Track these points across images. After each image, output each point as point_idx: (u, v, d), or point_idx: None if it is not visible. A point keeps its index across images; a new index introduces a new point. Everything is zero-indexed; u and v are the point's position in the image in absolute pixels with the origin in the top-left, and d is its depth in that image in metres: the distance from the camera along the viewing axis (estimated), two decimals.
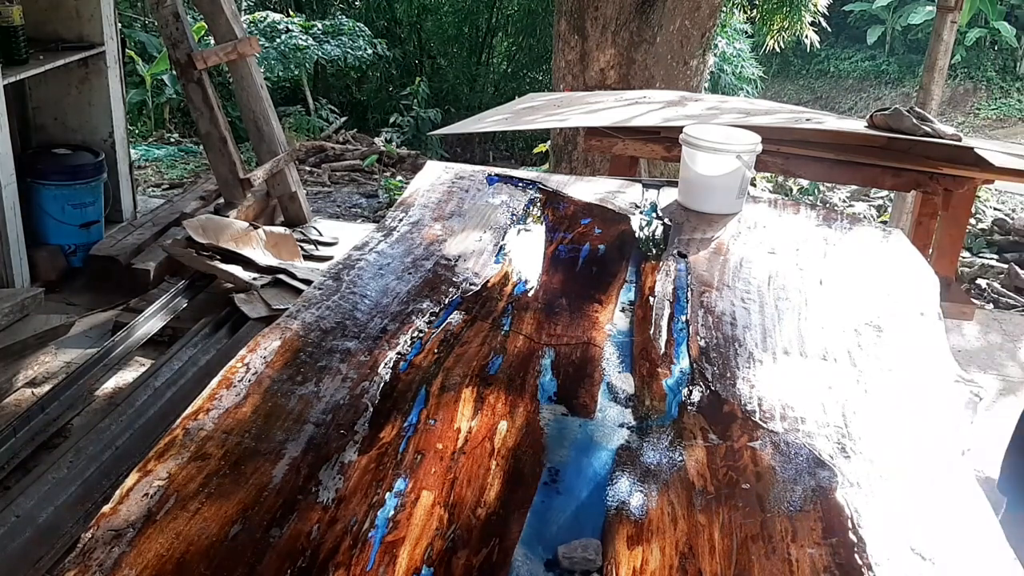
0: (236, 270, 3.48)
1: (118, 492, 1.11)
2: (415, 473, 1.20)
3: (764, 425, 1.36)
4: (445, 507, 1.13)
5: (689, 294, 1.79)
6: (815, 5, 8.11)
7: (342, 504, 1.12)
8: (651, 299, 1.77)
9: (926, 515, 1.18)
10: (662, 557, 1.08)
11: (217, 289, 3.57)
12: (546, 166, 5.41)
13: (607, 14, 4.52)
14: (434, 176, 2.42)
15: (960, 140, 2.94)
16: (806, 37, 8.44)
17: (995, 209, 6.91)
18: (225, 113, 4.22)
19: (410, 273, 1.81)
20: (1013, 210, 7.03)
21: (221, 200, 4.18)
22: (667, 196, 2.36)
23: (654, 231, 2.14)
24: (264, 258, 3.65)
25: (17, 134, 3.65)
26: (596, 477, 1.22)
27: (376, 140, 7.21)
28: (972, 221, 6.18)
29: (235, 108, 5.62)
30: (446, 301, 1.70)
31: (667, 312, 1.72)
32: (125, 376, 2.99)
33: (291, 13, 9.09)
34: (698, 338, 1.62)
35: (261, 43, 5.95)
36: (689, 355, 1.56)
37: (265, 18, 8.16)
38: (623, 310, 1.73)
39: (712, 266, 1.93)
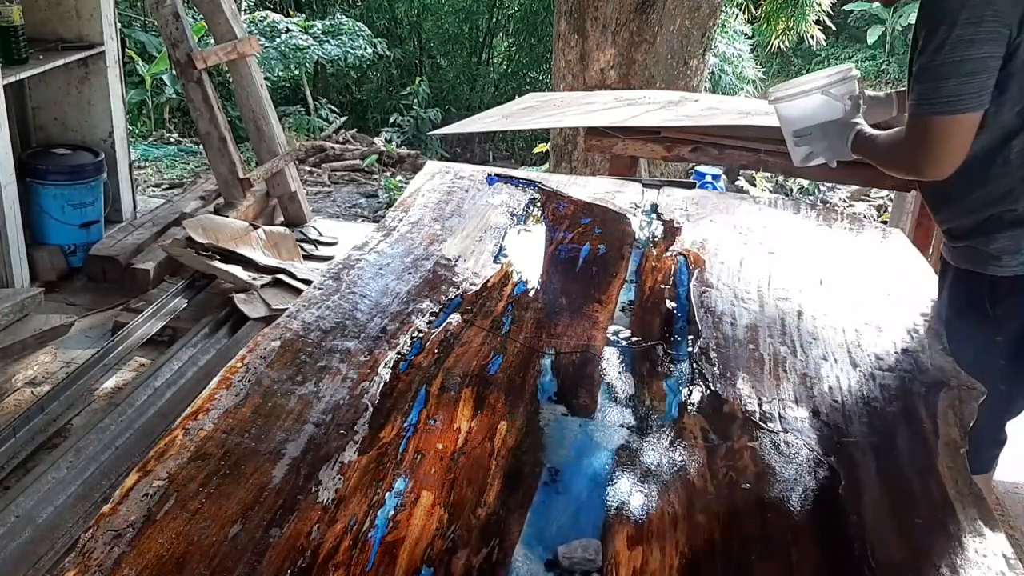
0: (236, 270, 3.47)
1: (118, 492, 1.11)
2: (415, 473, 1.19)
3: (764, 425, 1.36)
4: (445, 507, 1.13)
5: (689, 294, 1.79)
6: (820, 5, 8.10)
7: (342, 504, 1.12)
8: (651, 299, 1.77)
9: (927, 515, 1.18)
10: (662, 557, 1.08)
11: (217, 289, 3.57)
12: (546, 166, 5.41)
13: (607, 14, 4.52)
14: (434, 176, 2.42)
15: None
16: (811, 36, 8.42)
17: None
18: (225, 113, 4.21)
19: (410, 273, 1.81)
20: None
21: (221, 200, 4.18)
22: (667, 196, 2.36)
23: (654, 231, 2.14)
24: (264, 258, 3.65)
25: (17, 134, 3.65)
26: (596, 477, 1.22)
27: (376, 140, 7.20)
28: None
29: (235, 108, 5.61)
30: (446, 301, 1.70)
31: (667, 312, 1.72)
32: (125, 376, 2.99)
33: (291, 13, 9.08)
34: (698, 338, 1.62)
35: (261, 43, 5.95)
36: (689, 355, 1.56)
37: (265, 18, 8.15)
38: (623, 310, 1.73)
39: (712, 266, 1.93)
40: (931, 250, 3.19)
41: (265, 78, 5.05)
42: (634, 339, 1.60)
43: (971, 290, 1.62)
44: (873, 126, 1.81)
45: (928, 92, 1.45)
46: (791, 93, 1.84)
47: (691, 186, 2.87)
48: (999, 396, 1.55)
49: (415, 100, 8.54)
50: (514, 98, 5.29)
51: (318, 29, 8.29)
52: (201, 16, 4.77)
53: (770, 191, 6.68)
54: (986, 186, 1.51)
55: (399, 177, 6.27)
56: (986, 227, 1.55)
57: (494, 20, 10.11)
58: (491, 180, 2.39)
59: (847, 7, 15.30)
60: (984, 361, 1.59)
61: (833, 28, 10.74)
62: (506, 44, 10.42)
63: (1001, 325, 1.58)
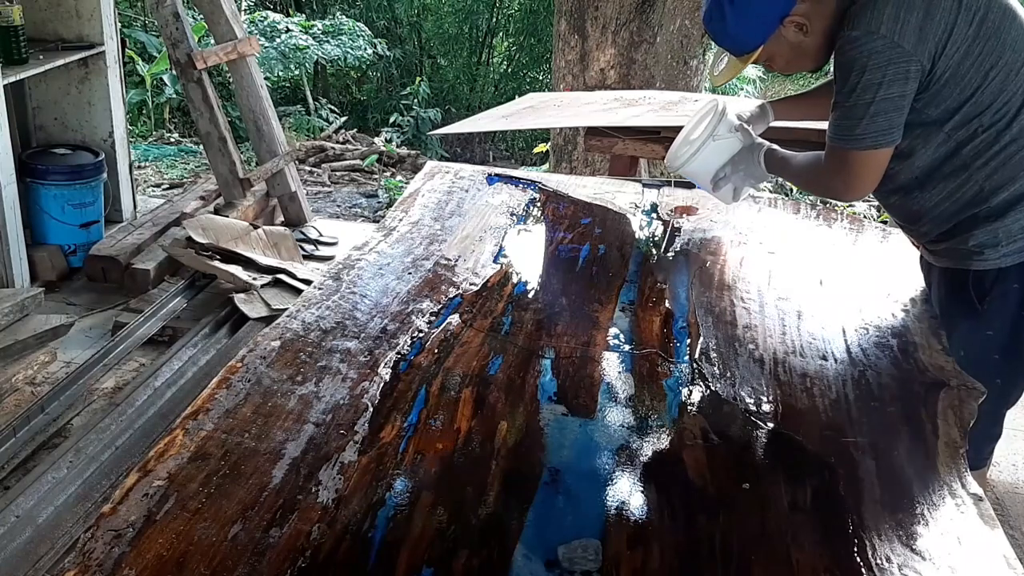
0: (236, 270, 3.47)
1: (118, 492, 1.11)
2: (415, 473, 1.20)
3: (764, 425, 1.36)
4: (445, 507, 1.13)
5: (689, 294, 1.79)
6: None
7: (342, 504, 1.12)
8: (651, 299, 1.77)
9: (927, 515, 1.18)
10: (662, 557, 1.08)
11: (217, 289, 3.56)
12: (546, 166, 5.41)
13: (607, 14, 4.52)
14: (434, 176, 2.42)
15: None
16: None
17: None
18: (225, 113, 4.21)
19: (410, 273, 1.81)
20: None
21: (221, 200, 4.17)
22: (667, 196, 2.36)
23: (654, 231, 2.14)
24: (264, 258, 3.65)
25: (17, 134, 3.65)
26: (596, 477, 1.22)
27: (376, 140, 7.20)
28: None
29: (235, 108, 5.61)
30: (446, 301, 1.70)
31: (667, 312, 1.72)
32: (125, 376, 2.99)
33: (291, 13, 9.08)
34: (698, 338, 1.62)
35: (261, 43, 5.95)
36: (689, 355, 1.56)
37: (265, 18, 8.15)
38: (623, 310, 1.73)
39: (712, 266, 1.94)
40: None
41: (265, 78, 5.04)
42: (636, 351, 1.60)
43: (957, 288, 1.65)
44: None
45: (842, 128, 1.55)
46: (688, 155, 1.91)
47: (691, 186, 2.87)
48: (995, 390, 1.56)
49: (415, 100, 8.53)
50: (514, 98, 5.29)
51: (318, 29, 8.28)
52: (201, 16, 4.76)
53: (770, 191, 6.67)
54: (954, 195, 1.58)
55: (399, 177, 6.27)
56: (963, 227, 1.60)
57: (494, 20, 10.11)
58: (491, 180, 2.39)
59: None
60: (978, 357, 1.61)
61: None
62: (506, 44, 10.42)
63: (991, 319, 1.61)
